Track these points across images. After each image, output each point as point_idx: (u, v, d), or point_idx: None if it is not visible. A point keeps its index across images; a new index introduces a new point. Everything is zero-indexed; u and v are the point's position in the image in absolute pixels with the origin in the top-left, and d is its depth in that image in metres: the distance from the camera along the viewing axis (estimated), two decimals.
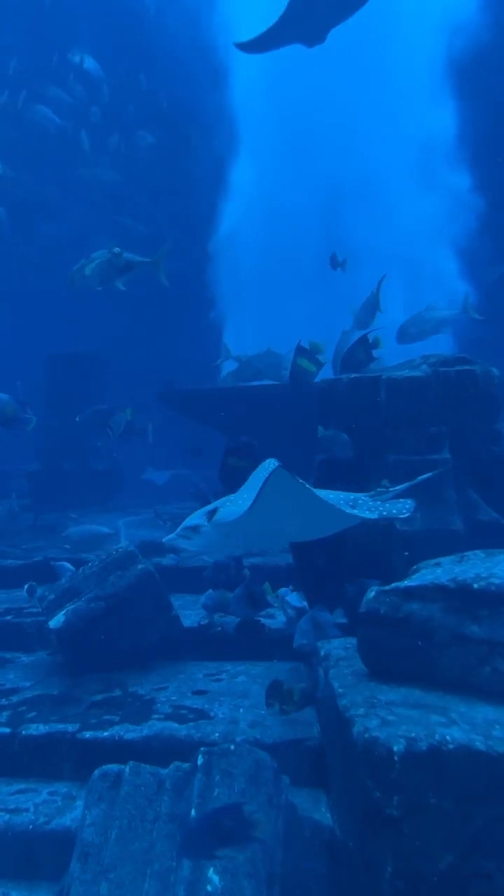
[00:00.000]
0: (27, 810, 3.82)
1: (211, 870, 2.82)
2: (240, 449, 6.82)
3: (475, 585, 3.51)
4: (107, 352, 15.48)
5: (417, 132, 15.60)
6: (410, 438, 5.71)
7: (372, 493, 4.55)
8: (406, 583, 3.80)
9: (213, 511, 4.04)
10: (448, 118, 15.44)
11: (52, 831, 3.67)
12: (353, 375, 6.55)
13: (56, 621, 5.36)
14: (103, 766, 3.47)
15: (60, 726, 4.38)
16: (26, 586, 6.43)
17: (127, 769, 3.35)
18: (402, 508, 4.33)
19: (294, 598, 5.57)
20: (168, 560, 7.49)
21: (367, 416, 5.94)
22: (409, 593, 3.69)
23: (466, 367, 6.00)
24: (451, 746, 2.81)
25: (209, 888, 2.77)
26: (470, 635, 3.41)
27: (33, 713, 4.62)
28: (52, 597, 5.82)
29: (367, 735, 2.94)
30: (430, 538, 5.19)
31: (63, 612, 5.42)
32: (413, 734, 2.88)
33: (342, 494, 4.48)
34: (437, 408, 5.78)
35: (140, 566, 5.68)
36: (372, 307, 9.22)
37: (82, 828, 3.19)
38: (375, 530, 5.32)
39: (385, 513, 4.30)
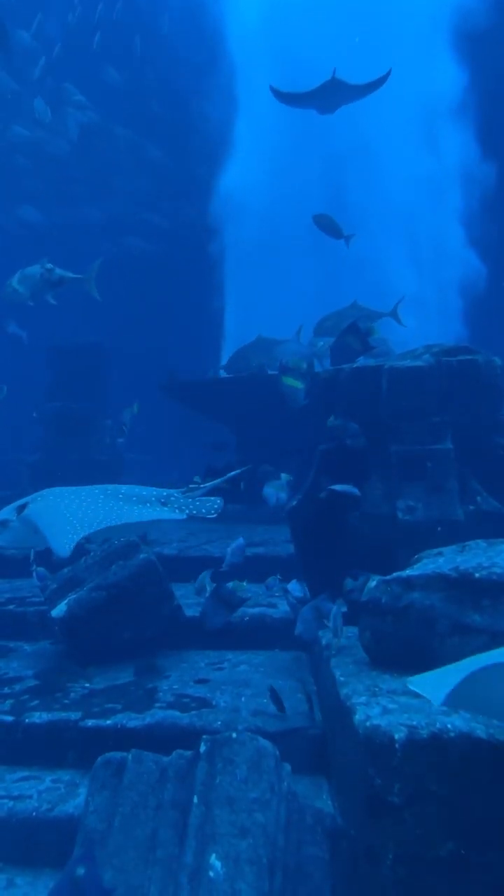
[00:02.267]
0: (31, 797, 3.85)
1: (213, 856, 2.84)
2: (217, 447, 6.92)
3: (477, 575, 3.52)
4: (108, 342, 15.46)
5: (422, 95, 15.30)
6: (412, 428, 5.70)
7: (184, 489, 4.49)
8: (408, 572, 3.81)
9: (23, 506, 4.05)
10: (453, 80, 15.22)
11: (56, 818, 3.69)
12: (354, 366, 6.54)
13: (58, 610, 5.38)
14: (106, 754, 3.49)
15: (63, 715, 4.41)
16: (35, 572, 6.42)
17: (130, 757, 3.37)
18: (211, 508, 4.29)
19: (296, 588, 5.58)
20: (170, 549, 7.51)
21: (368, 407, 5.94)
22: (411, 583, 3.70)
23: (469, 357, 5.99)
24: (452, 734, 2.82)
25: (211, 874, 2.79)
26: (471, 624, 3.42)
27: (36, 701, 4.64)
28: (55, 586, 5.84)
29: (368, 723, 2.95)
30: (432, 528, 5.19)
31: (65, 601, 5.44)
32: (414, 722, 2.89)
33: (155, 490, 4.44)
34: (439, 397, 5.77)
35: (142, 556, 5.69)
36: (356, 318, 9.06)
37: (86, 815, 3.21)
38: (377, 520, 5.33)
39: (194, 511, 4.26)
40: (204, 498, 4.36)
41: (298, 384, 8.17)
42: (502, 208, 14.97)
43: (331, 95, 9.46)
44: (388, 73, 9.71)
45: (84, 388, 14.28)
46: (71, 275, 7.18)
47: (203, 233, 17.03)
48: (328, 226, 9.84)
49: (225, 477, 4.67)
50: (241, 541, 5.83)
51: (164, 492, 4.40)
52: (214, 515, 4.28)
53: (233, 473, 4.71)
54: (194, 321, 16.76)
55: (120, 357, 15.60)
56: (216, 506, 4.33)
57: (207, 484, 4.56)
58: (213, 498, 4.39)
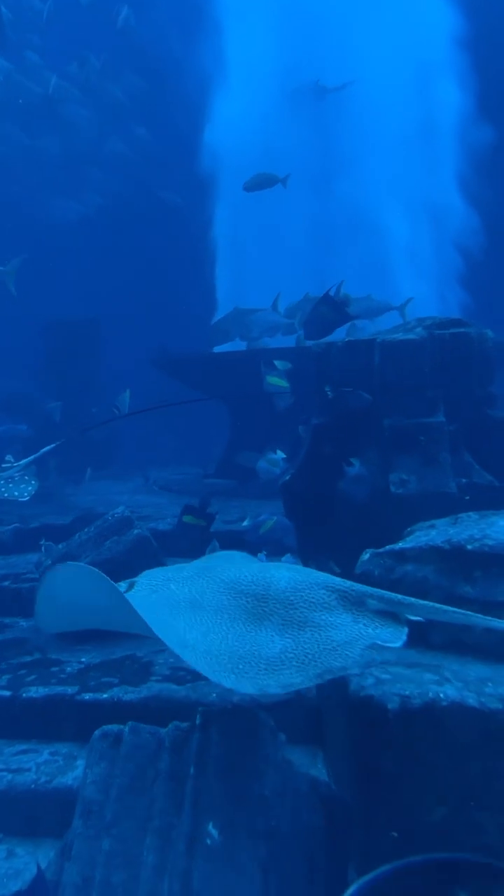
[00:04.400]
0: (29, 770, 3.90)
1: (210, 824, 2.89)
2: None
3: (469, 547, 3.55)
4: (101, 317, 15.34)
5: (417, 46, 14.93)
6: (405, 402, 5.70)
7: None
8: (400, 545, 3.84)
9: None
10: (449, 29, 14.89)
11: (55, 790, 3.75)
12: (346, 339, 6.52)
13: None
14: (103, 727, 3.52)
15: (60, 689, 4.45)
16: (43, 545, 6.41)
17: (126, 729, 3.40)
18: (24, 492, 4.04)
19: (290, 561, 5.62)
20: (164, 525, 7.53)
21: (361, 381, 5.93)
22: (404, 555, 3.73)
23: (461, 330, 5.97)
24: (444, 703, 2.86)
25: (209, 841, 2.84)
26: (464, 595, 3.46)
27: (33, 676, 4.69)
28: (49, 562, 5.86)
29: (362, 693, 2.99)
30: (425, 501, 5.22)
31: None
32: (407, 692, 2.93)
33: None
34: (431, 371, 5.76)
35: (136, 531, 5.72)
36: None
37: (84, 786, 3.25)
38: (370, 492, 5.35)
39: (7, 494, 4.02)
40: (18, 483, 4.02)
41: (284, 383, 8.11)
42: (498, 168, 14.74)
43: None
44: None
45: (79, 364, 14.25)
46: None
47: (195, 189, 16.73)
48: (262, 181, 9.71)
49: (37, 454, 4.43)
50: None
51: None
52: (27, 498, 3.97)
53: (46, 449, 4.44)
54: (186, 292, 16.52)
55: (113, 331, 15.49)
56: (29, 490, 4.01)
57: (21, 462, 4.30)
58: (26, 484, 4.05)
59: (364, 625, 2.83)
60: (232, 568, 3.24)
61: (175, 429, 15.49)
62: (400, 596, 3.01)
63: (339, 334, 7.15)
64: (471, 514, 4.09)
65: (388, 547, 3.85)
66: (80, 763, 3.84)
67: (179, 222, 17.58)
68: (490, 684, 2.98)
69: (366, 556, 3.88)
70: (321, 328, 6.88)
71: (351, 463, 5.61)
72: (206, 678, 4.27)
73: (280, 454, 7.22)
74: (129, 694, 4.30)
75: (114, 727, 3.45)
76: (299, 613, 2.87)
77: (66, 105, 16.69)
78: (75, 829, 3.14)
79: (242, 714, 3.34)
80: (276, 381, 8.24)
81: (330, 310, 6.85)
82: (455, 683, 3.00)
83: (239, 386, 9.69)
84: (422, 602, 2.97)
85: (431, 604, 2.99)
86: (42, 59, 16.43)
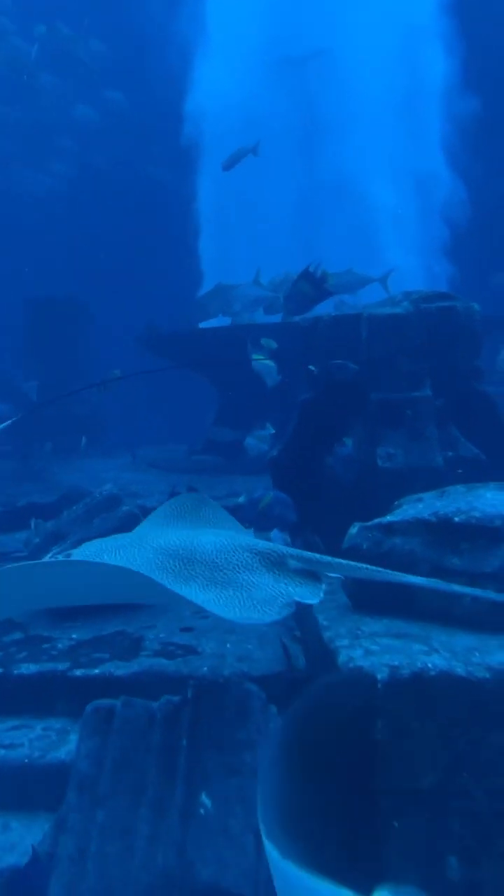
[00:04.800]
0: (22, 745, 3.92)
1: (203, 794, 2.94)
2: None
3: (456, 519, 3.57)
4: (84, 294, 15.16)
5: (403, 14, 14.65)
6: (392, 376, 5.71)
7: None
8: (388, 518, 3.86)
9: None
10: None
11: (48, 764, 3.77)
12: (333, 314, 6.51)
13: None
14: (95, 701, 3.56)
15: (51, 665, 4.46)
16: (33, 522, 6.40)
17: (119, 704, 3.44)
18: None
19: (278, 537, 5.64)
20: (152, 501, 7.53)
21: (348, 355, 5.92)
22: (392, 528, 3.76)
23: (448, 304, 5.98)
24: (432, 673, 2.90)
25: (202, 812, 2.89)
26: (451, 567, 3.49)
27: (24, 653, 4.70)
28: (38, 540, 5.86)
29: (351, 664, 3.02)
30: (412, 474, 5.25)
31: (49, 555, 5.47)
32: (396, 662, 2.97)
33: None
34: (418, 345, 5.77)
35: (125, 508, 5.72)
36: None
37: (77, 760, 3.29)
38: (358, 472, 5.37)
39: None
40: None
41: (271, 362, 8.10)
42: (484, 137, 14.60)
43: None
44: None
45: (62, 342, 14.11)
46: None
47: (177, 159, 16.45)
48: (237, 156, 9.64)
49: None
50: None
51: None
52: None
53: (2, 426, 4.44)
54: (171, 267, 16.30)
55: (98, 309, 15.32)
56: None
57: None
58: None
59: (284, 584, 3.08)
60: (165, 535, 3.45)
61: (163, 406, 15.45)
62: (318, 555, 3.28)
63: (325, 309, 7.13)
64: (458, 487, 4.11)
65: (375, 520, 3.87)
66: (73, 738, 3.87)
67: (161, 194, 17.31)
68: (477, 653, 3.02)
69: (354, 529, 3.90)
70: (301, 304, 6.88)
71: (343, 443, 5.62)
72: (196, 653, 4.32)
73: (269, 429, 7.21)
74: (120, 669, 4.32)
75: (106, 702, 3.48)
76: (223, 575, 3.09)
77: (34, 71, 16.30)
78: (69, 802, 3.18)
79: (233, 686, 3.38)
80: (262, 360, 8.22)
81: (309, 286, 6.84)
82: (443, 653, 3.04)
83: (225, 362, 9.66)
84: (338, 560, 3.27)
85: (348, 562, 3.28)
86: (13, 23, 16.01)
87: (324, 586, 3.16)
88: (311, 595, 3.07)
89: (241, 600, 2.94)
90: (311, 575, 3.21)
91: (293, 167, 13.43)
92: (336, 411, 5.89)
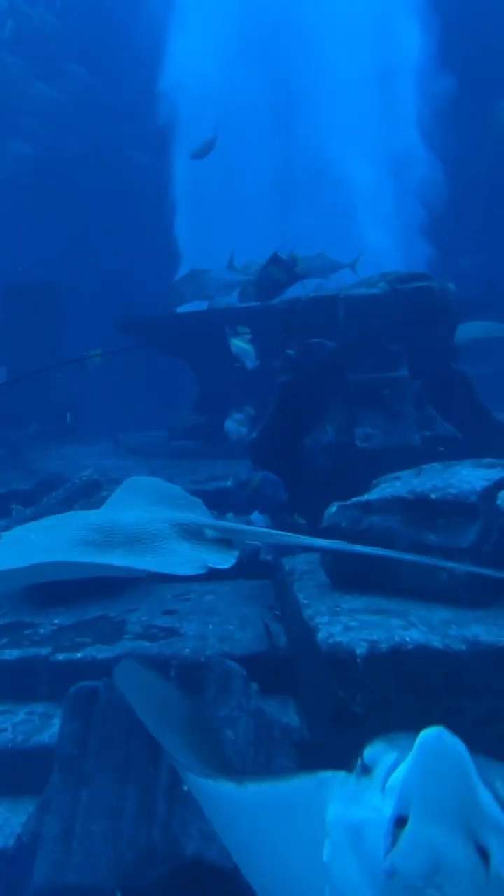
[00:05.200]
0: (5, 730, 3.94)
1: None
2: None
3: (433, 496, 3.62)
4: (60, 279, 14.99)
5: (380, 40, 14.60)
6: (369, 357, 5.74)
7: None
8: (366, 497, 3.90)
9: None
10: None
11: (32, 748, 3.79)
12: (311, 295, 6.51)
13: None
14: (78, 684, 3.57)
15: (34, 650, 4.47)
16: (13, 509, 6.38)
17: (101, 685, 3.45)
18: None
19: (258, 519, 5.67)
20: None
21: (326, 336, 5.93)
22: (370, 507, 3.80)
23: (424, 284, 6.00)
24: (410, 647, 2.95)
25: (186, 788, 2.91)
26: (428, 544, 3.54)
27: (6, 639, 4.69)
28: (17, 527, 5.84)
29: (331, 640, 3.07)
30: (390, 454, 5.29)
31: None
32: (375, 637, 3.02)
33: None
34: (394, 325, 5.79)
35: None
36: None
37: (61, 741, 3.30)
38: (336, 448, 5.40)
39: None
40: None
41: (249, 347, 8.10)
42: (461, 117, 14.53)
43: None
44: None
45: (39, 329, 13.97)
46: None
47: (150, 140, 16.20)
48: (205, 147, 9.62)
49: None
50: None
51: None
52: None
53: None
54: (146, 251, 16.05)
55: (74, 293, 15.15)
56: None
57: None
58: None
59: (200, 551, 3.32)
60: (95, 513, 3.67)
61: (144, 392, 15.34)
62: (233, 524, 3.60)
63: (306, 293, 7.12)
64: (434, 464, 4.16)
65: (354, 499, 3.90)
66: (56, 722, 3.88)
67: (136, 175, 17.06)
68: (454, 626, 3.08)
69: (332, 508, 3.93)
70: (270, 289, 6.86)
71: (324, 430, 5.64)
72: (179, 635, 4.34)
73: (250, 411, 7.20)
74: (102, 652, 4.33)
75: (88, 683, 3.49)
76: (142, 545, 3.26)
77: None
78: (54, 784, 3.20)
79: (215, 665, 3.41)
80: (241, 345, 8.22)
81: (278, 271, 6.83)
82: (420, 627, 3.09)
83: (203, 346, 9.63)
84: (252, 528, 3.68)
85: (261, 529, 3.79)
86: None
87: (237, 552, 3.43)
88: (224, 561, 3.32)
89: (158, 565, 3.17)
90: (226, 543, 3.45)
91: (270, 146, 13.24)
92: (314, 393, 5.91)
